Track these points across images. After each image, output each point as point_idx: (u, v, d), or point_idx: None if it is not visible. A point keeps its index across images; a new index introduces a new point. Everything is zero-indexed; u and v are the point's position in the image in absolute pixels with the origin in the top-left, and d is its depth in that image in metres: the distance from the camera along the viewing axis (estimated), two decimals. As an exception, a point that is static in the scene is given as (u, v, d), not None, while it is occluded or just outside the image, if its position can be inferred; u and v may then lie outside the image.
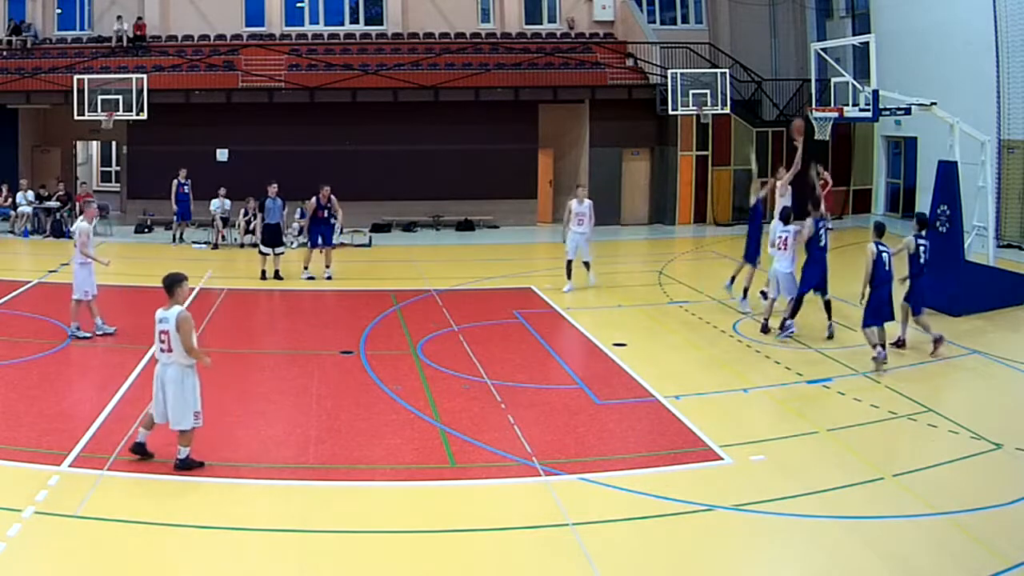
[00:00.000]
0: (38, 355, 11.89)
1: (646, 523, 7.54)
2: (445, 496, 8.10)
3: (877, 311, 11.80)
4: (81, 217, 13.19)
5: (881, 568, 6.77)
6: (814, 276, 12.99)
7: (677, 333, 13.79)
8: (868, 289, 11.78)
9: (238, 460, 8.65)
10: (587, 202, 16.21)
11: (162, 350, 8.13)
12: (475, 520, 7.62)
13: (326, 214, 17.67)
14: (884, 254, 11.81)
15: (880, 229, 12.16)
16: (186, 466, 8.23)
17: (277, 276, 17.40)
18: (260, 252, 17.71)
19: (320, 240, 17.65)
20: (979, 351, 12.48)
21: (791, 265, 13.18)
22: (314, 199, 17.56)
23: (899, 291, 12.43)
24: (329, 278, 17.52)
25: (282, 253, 17.69)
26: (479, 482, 8.40)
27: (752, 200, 15.40)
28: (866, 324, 11.83)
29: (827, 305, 13.19)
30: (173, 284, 8.22)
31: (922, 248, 12.49)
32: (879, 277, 11.76)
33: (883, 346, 11.74)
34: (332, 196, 17.72)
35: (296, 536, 7.19)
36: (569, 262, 16.18)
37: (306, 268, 17.58)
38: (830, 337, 13.03)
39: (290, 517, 7.53)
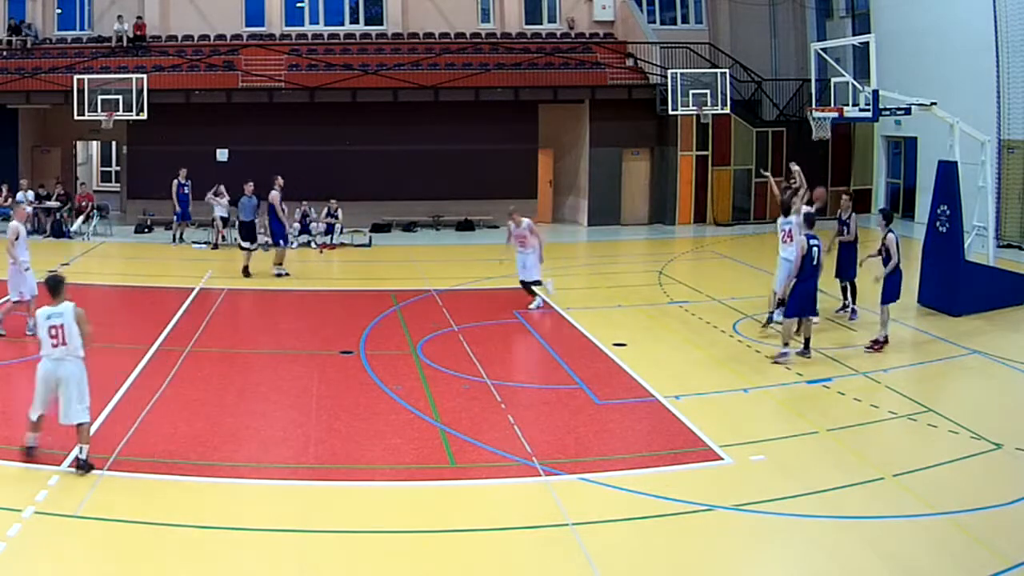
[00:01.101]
0: (38, 355, 11.84)
1: (646, 523, 7.54)
2: (445, 496, 8.09)
3: (800, 304, 11.98)
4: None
5: (881, 568, 6.77)
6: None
7: (677, 333, 13.79)
8: (794, 281, 11.94)
9: (238, 460, 8.65)
10: (525, 222, 14.94)
11: (54, 345, 8.22)
12: (475, 520, 7.62)
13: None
14: (815, 248, 11.88)
15: (810, 221, 12.24)
16: (85, 467, 8.09)
17: (246, 273, 17.49)
18: (240, 248, 18.01)
19: (282, 238, 17.89)
20: (979, 351, 12.48)
21: (795, 254, 13.16)
22: (278, 193, 17.68)
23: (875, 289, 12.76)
24: (287, 274, 17.71)
25: (255, 250, 17.89)
26: (479, 482, 8.40)
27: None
28: (787, 315, 12.07)
29: (844, 290, 14.10)
30: (59, 284, 8.45)
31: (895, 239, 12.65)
32: (806, 270, 11.88)
33: (806, 344, 12.09)
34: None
35: (296, 536, 7.19)
36: (521, 282, 15.15)
37: (279, 265, 17.74)
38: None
39: (290, 517, 7.53)
